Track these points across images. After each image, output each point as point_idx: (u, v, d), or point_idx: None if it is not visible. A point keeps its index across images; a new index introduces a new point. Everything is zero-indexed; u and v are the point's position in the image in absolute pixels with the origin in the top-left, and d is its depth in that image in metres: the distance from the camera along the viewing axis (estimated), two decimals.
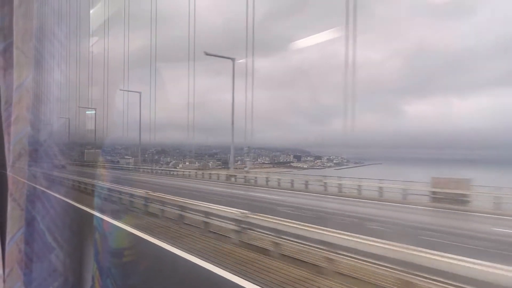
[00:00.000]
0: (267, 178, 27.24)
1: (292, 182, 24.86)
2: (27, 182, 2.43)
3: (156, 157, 41.41)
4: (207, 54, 26.59)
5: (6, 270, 2.33)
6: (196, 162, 40.01)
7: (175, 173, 36.88)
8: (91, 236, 2.76)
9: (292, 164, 40.29)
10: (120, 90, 28.05)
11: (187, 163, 39.31)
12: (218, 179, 29.82)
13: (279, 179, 26.39)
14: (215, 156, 40.54)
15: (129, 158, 40.96)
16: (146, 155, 41.46)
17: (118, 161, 39.33)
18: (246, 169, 31.05)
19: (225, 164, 38.94)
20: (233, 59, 27.25)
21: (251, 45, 23.55)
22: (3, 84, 2.50)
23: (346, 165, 38.79)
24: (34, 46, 2.47)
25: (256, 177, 28.09)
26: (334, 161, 39.02)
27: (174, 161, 40.01)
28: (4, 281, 2.30)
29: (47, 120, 2.45)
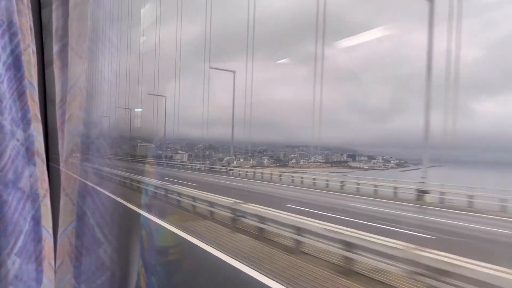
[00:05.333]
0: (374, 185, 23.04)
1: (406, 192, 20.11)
2: (78, 178, 2.51)
3: (207, 152, 41.58)
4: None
5: (58, 262, 2.43)
6: (251, 159, 39.70)
7: (252, 174, 33.66)
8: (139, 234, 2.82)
9: (349, 164, 38.59)
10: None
11: (241, 160, 39.23)
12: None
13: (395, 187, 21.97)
14: (264, 153, 39.96)
15: (182, 153, 41.41)
16: (196, 150, 41.80)
17: (171, 156, 39.63)
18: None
19: (278, 162, 38.59)
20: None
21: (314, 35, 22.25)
22: (59, 83, 2.60)
23: (407, 166, 36.86)
24: (88, 47, 2.54)
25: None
26: (392, 162, 37.33)
27: (228, 157, 39.81)
28: (55, 272, 2.39)
29: (98, 118, 2.52)
